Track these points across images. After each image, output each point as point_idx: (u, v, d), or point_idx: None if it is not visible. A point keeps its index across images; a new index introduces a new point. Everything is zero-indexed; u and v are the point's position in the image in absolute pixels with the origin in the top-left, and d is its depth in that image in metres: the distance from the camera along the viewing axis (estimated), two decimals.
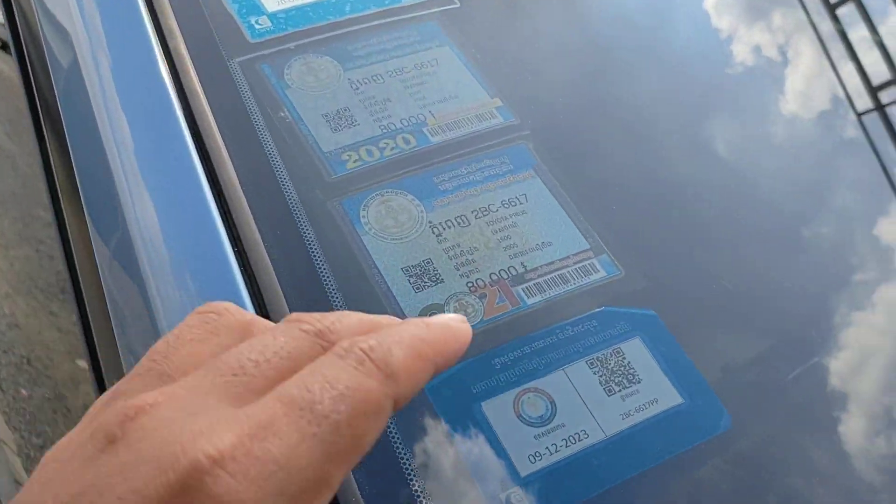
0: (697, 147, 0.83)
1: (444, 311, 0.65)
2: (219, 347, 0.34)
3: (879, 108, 0.94)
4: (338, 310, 0.63)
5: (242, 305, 0.63)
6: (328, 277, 0.65)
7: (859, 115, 0.90)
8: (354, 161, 0.73)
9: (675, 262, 0.73)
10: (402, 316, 0.64)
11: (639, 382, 0.63)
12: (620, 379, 0.63)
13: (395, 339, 0.34)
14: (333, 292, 0.64)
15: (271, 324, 0.37)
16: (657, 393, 0.63)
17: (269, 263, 0.65)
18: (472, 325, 0.65)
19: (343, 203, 0.70)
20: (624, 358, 0.64)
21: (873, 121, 0.91)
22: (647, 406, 0.62)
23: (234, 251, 0.66)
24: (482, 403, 0.60)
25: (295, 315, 0.36)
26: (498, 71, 0.83)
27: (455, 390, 0.61)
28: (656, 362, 0.64)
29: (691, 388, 0.63)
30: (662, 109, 0.86)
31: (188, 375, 0.32)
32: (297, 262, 0.66)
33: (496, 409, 0.60)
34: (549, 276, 0.68)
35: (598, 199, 0.75)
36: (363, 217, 0.69)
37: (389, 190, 0.71)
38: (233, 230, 0.67)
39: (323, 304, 0.64)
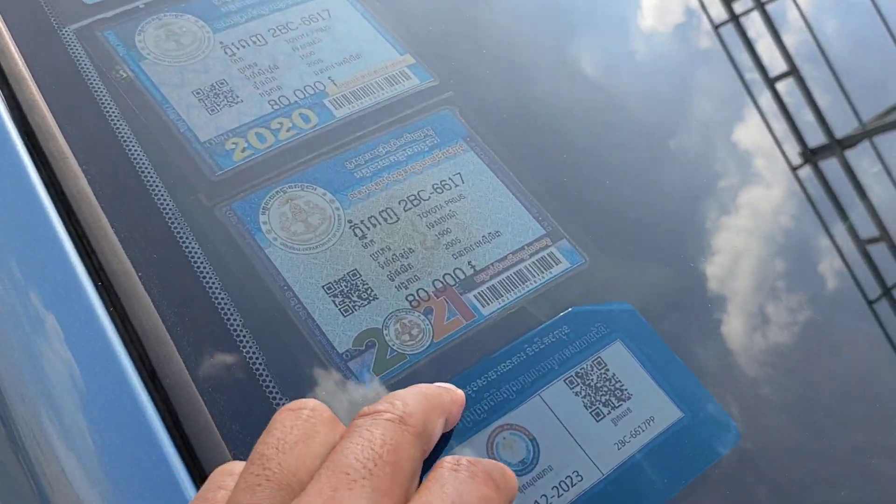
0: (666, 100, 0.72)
1: (383, 337, 0.51)
2: (323, 447, 0.35)
3: (734, 18, 0.87)
4: (249, 352, 0.48)
5: (114, 361, 0.47)
6: (229, 310, 0.50)
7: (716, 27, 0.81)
8: (243, 150, 0.57)
9: (645, 242, 0.61)
10: (329, 349, 0.50)
11: (629, 399, 0.52)
12: (608, 397, 0.51)
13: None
14: (239, 329, 0.49)
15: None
16: (652, 409, 0.52)
17: (149, 302, 0.49)
18: (421, 351, 0.52)
19: (235, 207, 0.55)
20: (607, 369, 0.53)
21: (729, 32, 0.82)
22: (644, 427, 0.51)
23: (97, 287, 0.49)
24: (445, 458, 0.48)
25: (369, 408, 0.38)
26: (406, 21, 0.68)
27: None
28: (644, 368, 0.53)
29: (689, 397, 0.53)
30: (623, 66, 0.74)
31: (312, 483, 0.33)
32: (184, 293, 0.50)
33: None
34: (503, 276, 0.55)
35: (546, 170, 0.62)
36: (264, 224, 0.54)
37: (293, 184, 0.56)
38: (91, 259, 0.50)
39: (227, 346, 0.49)
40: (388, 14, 0.68)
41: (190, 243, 0.52)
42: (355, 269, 0.53)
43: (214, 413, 0.46)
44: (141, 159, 0.55)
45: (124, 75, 0.59)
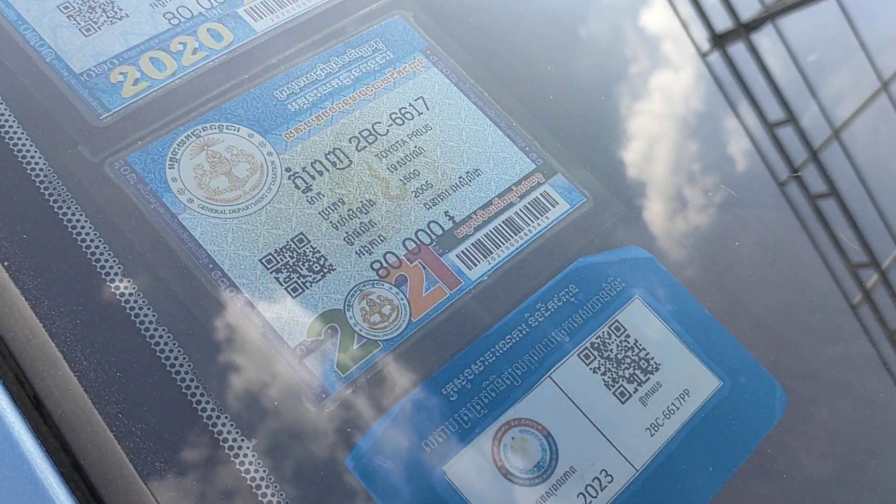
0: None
1: (346, 321, 0.39)
2: None
3: None
4: (171, 359, 0.36)
5: None
6: (136, 303, 0.37)
7: None
8: (135, 83, 0.43)
9: (653, 168, 0.50)
10: (278, 345, 0.38)
11: (657, 370, 0.42)
12: (632, 371, 0.41)
13: None
14: (153, 329, 0.37)
15: None
16: (686, 380, 0.42)
17: (24, 304, 0.35)
18: (397, 335, 0.40)
19: (132, 161, 0.41)
20: (628, 336, 0.42)
21: None
22: (679, 404, 0.41)
23: None
24: (444, 469, 0.37)
25: None
26: None
27: (395, 457, 0.37)
28: (671, 331, 0.43)
29: (726, 358, 0.43)
30: None
31: None
32: (69, 285, 0.37)
33: (468, 470, 0.37)
34: (490, 227, 0.44)
35: (529, 87, 0.50)
36: (173, 181, 0.41)
37: (208, 125, 0.43)
38: None
39: (141, 353, 0.36)
40: None
41: (72, 213, 0.39)
42: (301, 234, 0.41)
43: (130, 452, 0.34)
44: None
45: None
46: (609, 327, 0.42)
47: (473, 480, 0.37)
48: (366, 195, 0.43)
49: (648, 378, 0.41)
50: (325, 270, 0.40)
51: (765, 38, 0.60)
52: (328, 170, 0.43)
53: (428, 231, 0.43)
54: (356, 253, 0.41)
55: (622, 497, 0.38)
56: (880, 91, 0.62)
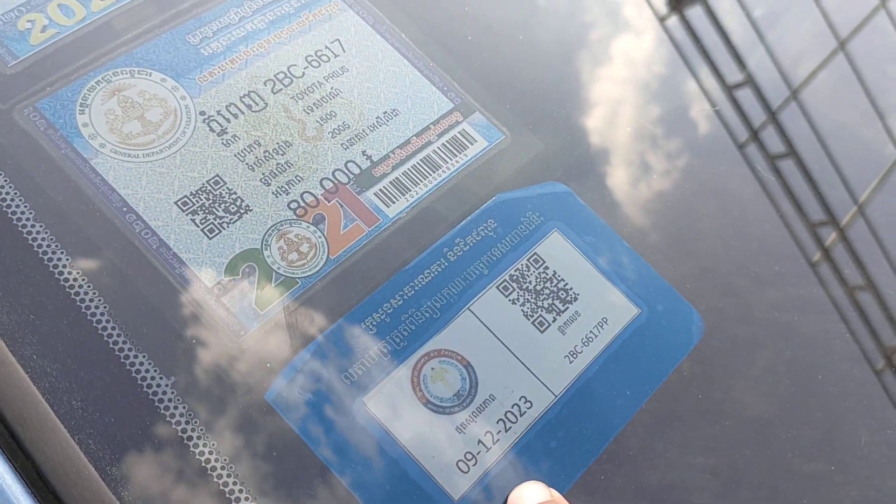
0: None
1: (264, 260, 0.39)
2: None
3: None
4: (88, 303, 0.36)
5: None
6: (49, 248, 0.37)
7: None
8: (43, 30, 0.42)
9: (573, 106, 0.51)
10: (195, 283, 0.38)
11: (576, 300, 0.43)
12: (551, 301, 0.42)
13: None
14: (69, 274, 0.37)
15: None
16: (604, 309, 0.43)
17: None
18: (316, 272, 0.41)
19: (41, 107, 0.40)
20: (546, 267, 0.43)
21: None
22: (597, 332, 0.42)
23: None
24: (364, 398, 0.38)
25: None
26: None
27: (315, 390, 0.37)
28: (589, 261, 0.44)
29: (643, 287, 0.44)
30: None
31: None
32: None
33: (388, 400, 0.38)
34: (408, 165, 0.44)
35: (447, 27, 0.50)
36: (84, 126, 0.40)
37: (119, 70, 0.42)
38: None
39: (57, 299, 0.36)
40: None
41: None
42: (217, 176, 0.41)
43: (46, 392, 0.34)
44: None
45: None
46: (528, 260, 0.43)
47: (393, 410, 0.38)
48: (282, 137, 0.43)
49: (567, 307, 0.42)
50: (242, 211, 0.40)
51: (723, 2, 0.60)
52: (243, 112, 0.43)
53: (345, 170, 0.43)
54: (273, 193, 0.41)
55: (541, 422, 0.39)
56: (837, 50, 0.62)
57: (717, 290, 0.46)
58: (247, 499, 0.35)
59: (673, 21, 0.57)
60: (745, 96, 0.56)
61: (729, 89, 0.55)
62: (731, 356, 0.44)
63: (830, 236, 0.52)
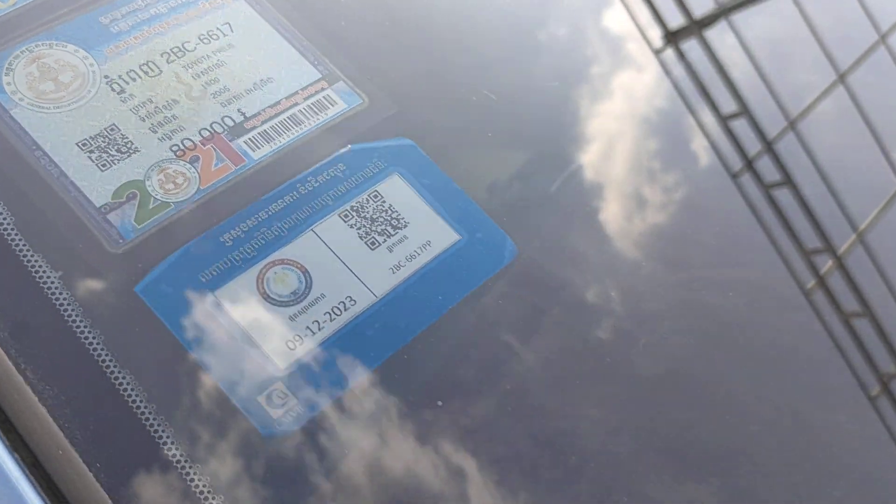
0: None
1: (145, 188, 0.49)
2: None
3: None
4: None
5: None
6: None
7: None
8: None
9: (425, 78, 0.61)
10: (86, 203, 0.48)
11: (406, 227, 0.52)
12: (384, 227, 0.52)
13: None
14: None
15: None
16: (429, 234, 0.52)
17: None
18: (187, 198, 0.51)
19: None
20: (383, 201, 0.53)
21: None
22: (421, 251, 0.51)
23: None
24: (216, 292, 0.47)
25: None
26: None
27: (178, 285, 0.47)
28: (422, 198, 0.54)
29: (467, 219, 0.54)
30: None
31: None
32: None
33: (235, 294, 0.47)
34: (275, 121, 0.54)
35: (321, 12, 0.61)
36: (8, 85, 0.51)
37: (42, 43, 0.53)
38: None
39: None
40: None
41: None
42: (113, 124, 0.51)
43: None
44: None
45: None
46: (368, 195, 0.53)
47: (240, 302, 0.47)
48: (171, 96, 0.53)
49: (397, 232, 0.52)
50: (131, 152, 0.50)
51: (720, 35, 0.61)
52: (141, 77, 0.53)
53: (221, 123, 0.53)
54: (158, 139, 0.51)
55: (363, 315, 0.48)
56: (836, 83, 0.63)
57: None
58: (115, 366, 0.44)
59: (668, 54, 0.60)
60: (741, 126, 0.57)
61: (724, 119, 0.56)
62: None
63: (827, 264, 0.54)
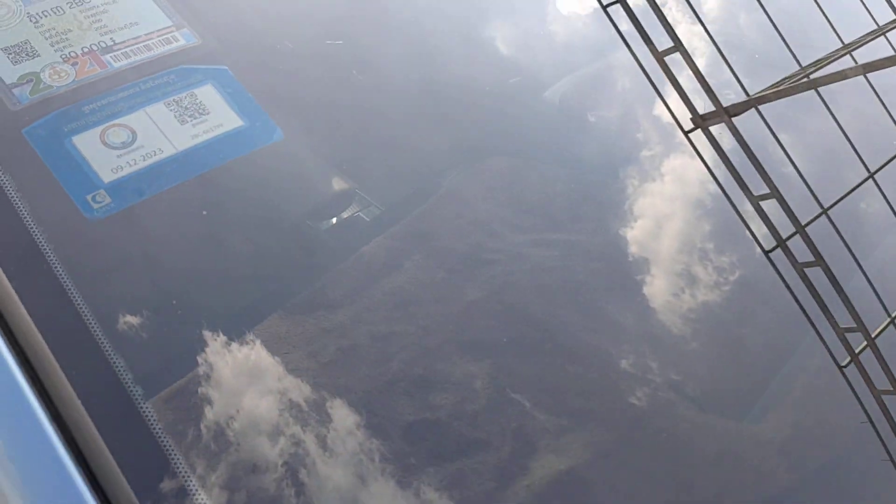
0: None
1: (39, 76, 0.78)
2: None
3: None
4: None
5: None
6: None
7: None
8: None
9: (248, 26, 0.90)
10: (0, 83, 0.77)
11: (208, 114, 0.80)
12: (193, 113, 0.80)
13: None
14: None
15: None
16: (223, 120, 0.80)
17: None
18: (65, 84, 0.79)
19: None
20: (197, 98, 0.81)
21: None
22: (214, 129, 0.80)
23: None
24: (73, 138, 0.75)
25: None
26: None
27: (49, 130, 0.75)
28: (225, 101, 0.82)
29: (252, 115, 0.82)
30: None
31: None
32: None
33: (85, 140, 0.75)
34: (134, 47, 0.83)
35: None
36: None
37: None
38: None
39: None
40: None
41: None
42: (27, 40, 0.80)
43: None
44: None
45: None
46: (187, 94, 0.81)
47: (86, 145, 0.75)
48: (68, 27, 0.82)
49: (201, 117, 0.80)
50: (34, 55, 0.79)
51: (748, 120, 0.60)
52: (51, 15, 0.83)
53: (97, 44, 0.82)
54: (54, 51, 0.80)
55: (166, 160, 0.76)
56: (867, 179, 0.63)
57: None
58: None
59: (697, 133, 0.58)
60: (771, 206, 0.58)
61: (755, 200, 0.57)
62: None
63: (861, 344, 0.55)
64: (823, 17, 0.69)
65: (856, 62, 0.56)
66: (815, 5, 0.68)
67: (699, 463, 0.73)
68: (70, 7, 0.84)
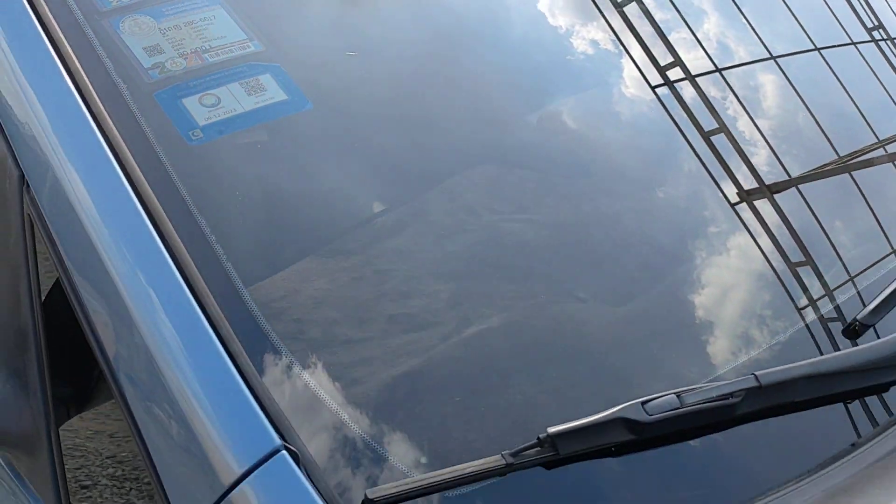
0: None
1: (164, 66, 1.26)
2: None
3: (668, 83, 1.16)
4: None
5: None
6: None
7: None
8: None
9: (293, 40, 1.38)
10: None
11: (265, 91, 1.27)
12: (255, 90, 1.27)
13: None
14: None
15: None
16: (273, 95, 1.27)
17: None
18: (179, 70, 1.27)
19: None
20: (259, 82, 1.28)
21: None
22: (268, 100, 1.26)
23: None
24: (182, 100, 1.23)
25: None
26: None
27: (170, 95, 1.23)
28: (276, 84, 1.29)
29: (292, 92, 1.28)
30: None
31: None
32: None
33: (190, 101, 1.23)
34: (220, 49, 1.31)
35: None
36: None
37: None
38: None
39: None
40: None
41: None
42: (158, 43, 1.29)
43: None
44: None
45: None
46: (252, 79, 1.28)
47: (201, 104, 1.22)
48: (186, 37, 1.31)
49: (263, 93, 1.27)
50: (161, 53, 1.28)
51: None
52: (179, 28, 1.32)
53: (200, 46, 1.30)
54: (174, 47, 1.29)
55: (236, 116, 1.23)
56: (889, 253, 0.69)
57: None
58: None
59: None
60: (805, 271, 0.63)
61: (793, 266, 0.60)
62: None
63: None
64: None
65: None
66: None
67: None
68: (185, 26, 1.33)
